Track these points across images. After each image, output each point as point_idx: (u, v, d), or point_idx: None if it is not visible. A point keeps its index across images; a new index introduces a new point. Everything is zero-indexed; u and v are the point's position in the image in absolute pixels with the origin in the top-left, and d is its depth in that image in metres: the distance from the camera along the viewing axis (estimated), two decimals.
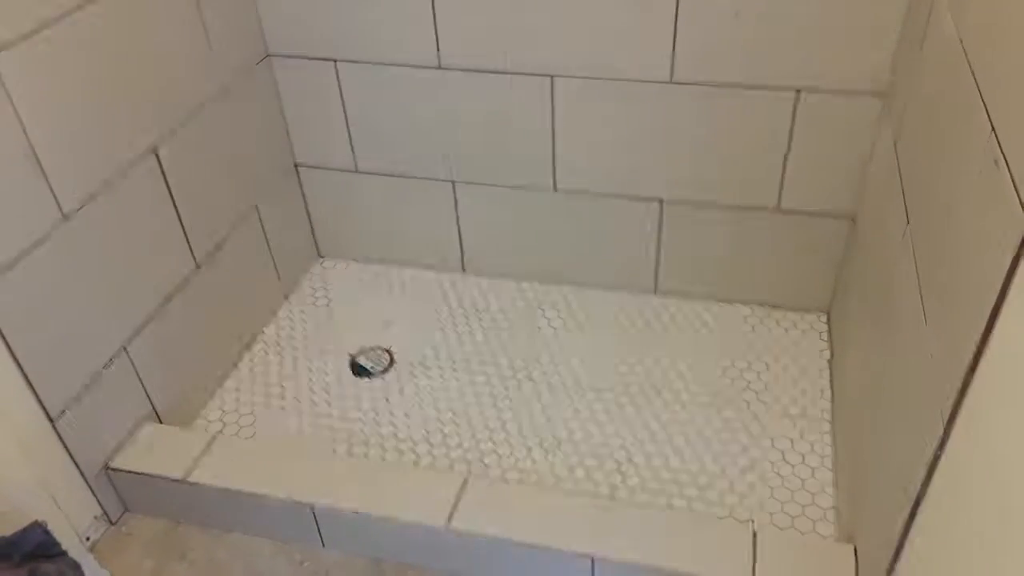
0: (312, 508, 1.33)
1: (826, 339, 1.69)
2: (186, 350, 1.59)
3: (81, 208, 1.29)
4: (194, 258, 1.58)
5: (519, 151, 1.72)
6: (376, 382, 1.68)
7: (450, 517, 1.27)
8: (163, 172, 1.46)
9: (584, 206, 1.75)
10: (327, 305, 1.89)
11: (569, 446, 1.51)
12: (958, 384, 0.84)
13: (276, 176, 1.83)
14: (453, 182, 1.81)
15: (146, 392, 1.49)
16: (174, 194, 1.50)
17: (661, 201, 1.70)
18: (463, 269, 1.95)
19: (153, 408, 1.52)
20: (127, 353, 1.43)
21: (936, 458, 0.90)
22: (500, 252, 1.90)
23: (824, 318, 1.74)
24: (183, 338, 1.57)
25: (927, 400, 0.94)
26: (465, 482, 1.33)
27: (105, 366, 1.38)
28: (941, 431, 0.88)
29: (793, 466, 1.44)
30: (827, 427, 1.50)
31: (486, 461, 1.50)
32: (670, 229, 1.74)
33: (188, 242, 1.56)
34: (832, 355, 1.64)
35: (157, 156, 1.44)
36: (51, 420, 1.30)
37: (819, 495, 1.38)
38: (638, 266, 1.82)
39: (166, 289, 1.52)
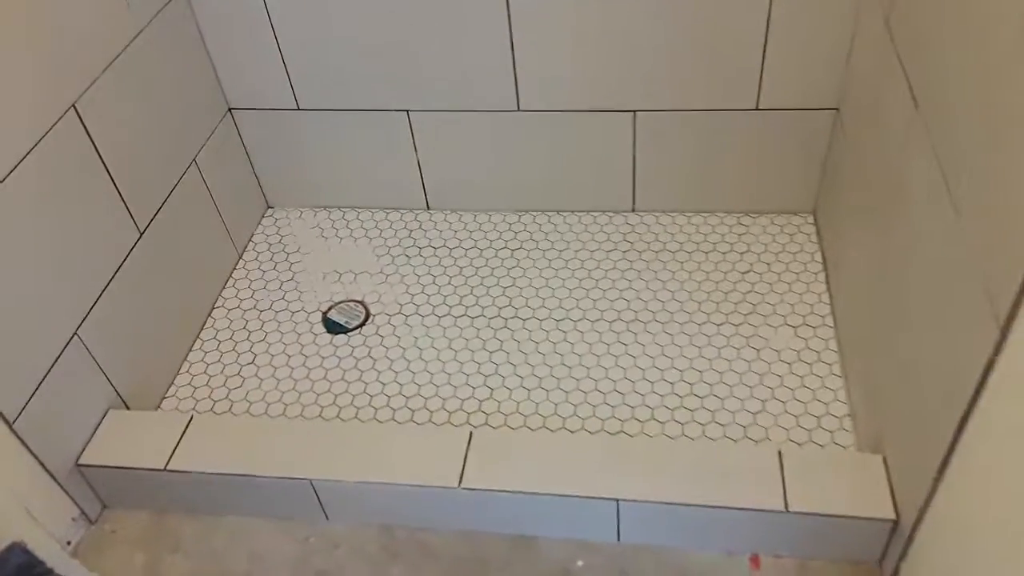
0: (311, 483, 1.24)
1: (816, 241, 1.64)
2: (143, 327, 1.46)
3: (3, 182, 1.13)
4: (136, 225, 1.43)
5: (477, 71, 1.58)
6: (354, 338, 1.57)
7: (461, 476, 1.20)
8: (88, 132, 1.30)
9: (552, 125, 1.64)
10: (285, 260, 1.76)
11: (569, 383, 1.44)
12: (1019, 280, 0.78)
13: (210, 124, 1.66)
14: (407, 111, 1.67)
15: (107, 378, 1.36)
16: (104, 157, 1.34)
17: (634, 112, 1.60)
18: (427, 206, 1.83)
19: (117, 394, 1.39)
20: (80, 338, 1.29)
21: (991, 362, 0.85)
22: (465, 184, 1.78)
23: (811, 219, 1.69)
24: (137, 314, 1.44)
25: (971, 299, 0.88)
26: (471, 435, 1.25)
27: (58, 356, 1.25)
28: (997, 334, 0.82)
29: (802, 377, 1.40)
30: (831, 333, 1.46)
31: (485, 409, 1.42)
32: (645, 141, 1.64)
33: (127, 208, 1.41)
34: (825, 257, 1.59)
35: (78, 114, 1.28)
36: (8, 424, 1.17)
37: (832, 404, 1.35)
38: (614, 184, 1.72)
39: (111, 263, 1.37)
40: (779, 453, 1.17)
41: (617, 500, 1.16)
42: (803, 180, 1.66)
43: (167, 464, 1.27)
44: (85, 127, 1.30)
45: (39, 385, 1.21)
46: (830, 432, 1.31)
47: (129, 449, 1.30)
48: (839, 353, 1.42)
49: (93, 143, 1.32)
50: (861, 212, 1.35)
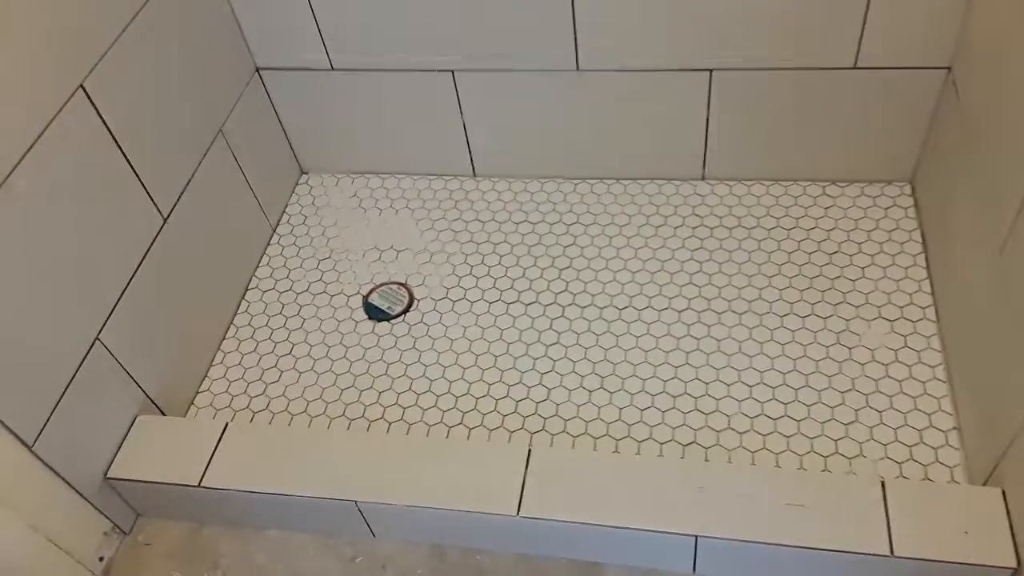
0: (356, 504, 1.14)
1: (914, 216, 1.45)
2: (171, 320, 1.35)
3: (8, 179, 1.01)
4: (159, 210, 1.31)
5: (531, 26, 1.39)
6: (397, 326, 1.45)
7: (519, 503, 1.09)
8: (99, 114, 1.16)
9: (615, 87, 1.46)
10: (322, 234, 1.62)
11: (634, 384, 1.30)
12: None
13: (237, 88, 1.51)
14: (452, 71, 1.50)
15: (135, 381, 1.26)
16: (119, 140, 1.20)
17: (710, 71, 1.40)
18: (473, 173, 1.67)
19: (147, 396, 1.29)
20: (102, 343, 1.19)
21: None
22: (515, 149, 1.61)
23: (908, 189, 1.49)
24: (165, 307, 1.33)
25: None
26: (529, 453, 1.13)
27: (79, 366, 1.14)
28: None
29: (900, 381, 1.24)
30: (933, 328, 1.29)
31: (543, 412, 1.29)
32: (721, 103, 1.45)
33: (148, 193, 1.28)
34: (925, 236, 1.41)
35: (88, 95, 1.14)
36: (28, 447, 1.08)
37: (936, 416, 1.19)
38: (682, 150, 1.54)
39: (134, 256, 1.25)
40: (882, 485, 1.03)
41: (696, 536, 1.04)
42: (901, 145, 1.46)
43: (201, 480, 1.18)
44: (96, 108, 1.16)
45: (60, 400, 1.12)
46: (933, 449, 1.16)
47: (160, 462, 1.21)
48: (943, 353, 1.26)
49: (107, 125, 1.18)
50: (978, 190, 1.16)
